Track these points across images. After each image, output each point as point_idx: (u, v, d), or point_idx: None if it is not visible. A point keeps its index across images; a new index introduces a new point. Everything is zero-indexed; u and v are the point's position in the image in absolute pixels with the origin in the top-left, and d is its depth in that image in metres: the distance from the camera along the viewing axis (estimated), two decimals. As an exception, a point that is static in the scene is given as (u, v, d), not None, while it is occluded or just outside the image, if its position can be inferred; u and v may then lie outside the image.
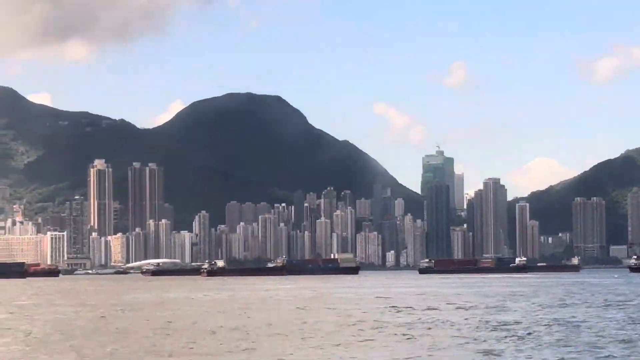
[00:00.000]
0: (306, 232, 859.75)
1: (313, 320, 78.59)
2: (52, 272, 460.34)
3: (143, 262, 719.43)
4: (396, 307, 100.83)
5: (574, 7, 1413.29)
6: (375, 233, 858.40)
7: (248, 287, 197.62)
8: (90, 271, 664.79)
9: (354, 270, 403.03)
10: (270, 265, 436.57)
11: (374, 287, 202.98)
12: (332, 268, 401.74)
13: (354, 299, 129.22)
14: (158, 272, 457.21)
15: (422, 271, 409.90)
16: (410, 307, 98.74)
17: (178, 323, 76.53)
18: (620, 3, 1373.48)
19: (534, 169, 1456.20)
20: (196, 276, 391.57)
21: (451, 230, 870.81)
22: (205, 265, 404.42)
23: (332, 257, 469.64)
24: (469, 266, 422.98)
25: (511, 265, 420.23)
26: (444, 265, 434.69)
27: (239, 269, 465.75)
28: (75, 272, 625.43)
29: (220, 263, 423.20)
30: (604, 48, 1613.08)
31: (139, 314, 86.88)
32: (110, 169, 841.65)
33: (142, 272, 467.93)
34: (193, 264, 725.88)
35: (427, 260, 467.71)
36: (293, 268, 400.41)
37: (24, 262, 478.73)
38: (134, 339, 61.97)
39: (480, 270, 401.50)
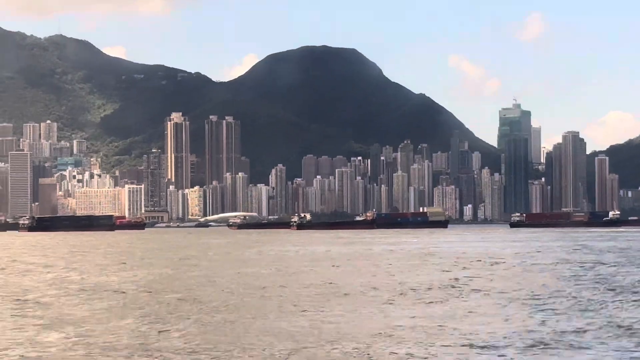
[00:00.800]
0: (383, 185, 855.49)
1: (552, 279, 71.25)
2: (138, 225, 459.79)
3: (222, 215, 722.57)
4: (586, 263, 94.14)
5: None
6: (453, 187, 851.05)
7: (374, 241, 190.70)
8: (171, 224, 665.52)
9: (443, 224, 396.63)
10: (358, 218, 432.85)
11: (497, 241, 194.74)
12: (421, 222, 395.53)
13: (521, 253, 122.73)
14: (245, 225, 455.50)
15: (514, 225, 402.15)
16: (602, 263, 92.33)
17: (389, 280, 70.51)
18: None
19: (608, 122, 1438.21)
20: (285, 229, 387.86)
21: (529, 184, 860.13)
22: (295, 219, 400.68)
23: (420, 210, 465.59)
24: (562, 220, 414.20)
25: (604, 219, 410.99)
26: (536, 219, 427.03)
27: (327, 222, 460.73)
28: (156, 225, 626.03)
29: (308, 216, 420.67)
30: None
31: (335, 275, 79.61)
32: (187, 122, 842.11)
33: (229, 226, 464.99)
34: (270, 217, 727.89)
35: (518, 214, 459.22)
36: (382, 221, 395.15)
37: (112, 215, 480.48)
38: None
39: (574, 224, 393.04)
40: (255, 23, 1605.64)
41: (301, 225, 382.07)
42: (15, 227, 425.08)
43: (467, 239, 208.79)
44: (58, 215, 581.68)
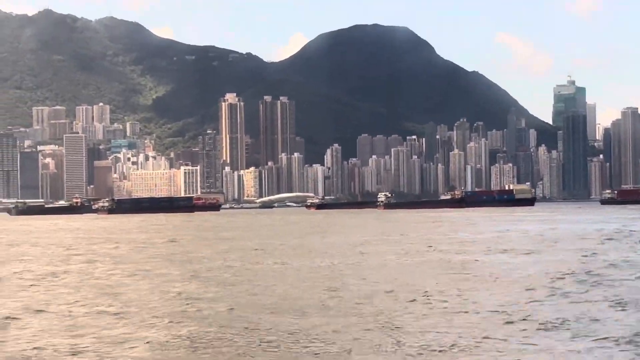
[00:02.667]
0: (439, 164, 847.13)
1: None
2: (215, 207, 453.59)
3: (279, 195, 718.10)
4: None
5: None
6: (510, 165, 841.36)
7: (530, 219, 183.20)
8: (234, 205, 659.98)
9: (529, 202, 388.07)
10: (443, 197, 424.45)
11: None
12: (508, 199, 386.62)
13: None
14: (323, 205, 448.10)
15: (605, 202, 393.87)
16: None
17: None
18: None
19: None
20: (371, 209, 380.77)
21: (588, 161, 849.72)
22: (382, 198, 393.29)
23: (507, 187, 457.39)
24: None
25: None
26: (629, 195, 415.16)
27: (413, 201, 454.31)
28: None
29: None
30: None
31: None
32: (241, 103, 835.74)
33: (307, 206, 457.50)
34: (327, 197, 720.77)
35: (609, 190, 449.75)
36: (469, 199, 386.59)
37: (191, 196, 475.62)
38: None
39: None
40: (304, 2, 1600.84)
41: (388, 205, 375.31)
42: (87, 209, 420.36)
43: (617, 218, 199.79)
44: (137, 197, 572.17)
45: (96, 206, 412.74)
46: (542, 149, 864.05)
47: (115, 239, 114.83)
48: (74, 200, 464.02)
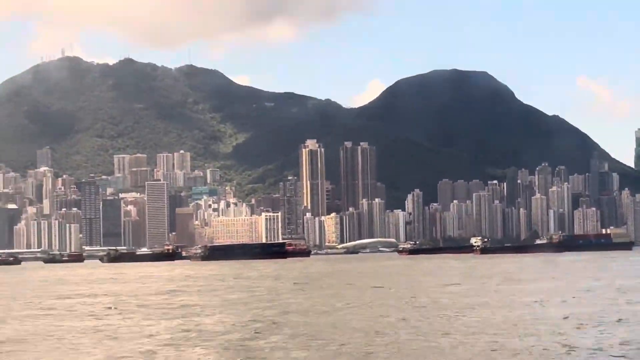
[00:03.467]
0: (521, 209, 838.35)
1: None
2: (305, 252, 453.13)
3: (361, 241, 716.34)
4: None
5: None
6: (594, 209, 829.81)
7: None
8: (318, 251, 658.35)
9: (627, 246, 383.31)
10: (539, 241, 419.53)
11: None
12: (605, 243, 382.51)
13: None
14: (414, 251, 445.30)
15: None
16: None
17: None
18: None
19: None
20: (466, 253, 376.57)
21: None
22: (478, 242, 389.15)
23: (604, 232, 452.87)
24: None
25: None
26: None
27: (509, 246, 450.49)
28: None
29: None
30: None
31: None
32: (322, 149, 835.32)
33: (399, 251, 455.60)
34: (409, 242, 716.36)
35: None
36: (566, 243, 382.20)
37: (284, 243, 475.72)
38: None
39: None
40: (385, 48, 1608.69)
41: (485, 250, 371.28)
42: (178, 255, 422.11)
43: None
44: (230, 243, 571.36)
45: (188, 253, 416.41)
46: (626, 192, 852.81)
47: (254, 286, 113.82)
48: (165, 247, 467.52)
